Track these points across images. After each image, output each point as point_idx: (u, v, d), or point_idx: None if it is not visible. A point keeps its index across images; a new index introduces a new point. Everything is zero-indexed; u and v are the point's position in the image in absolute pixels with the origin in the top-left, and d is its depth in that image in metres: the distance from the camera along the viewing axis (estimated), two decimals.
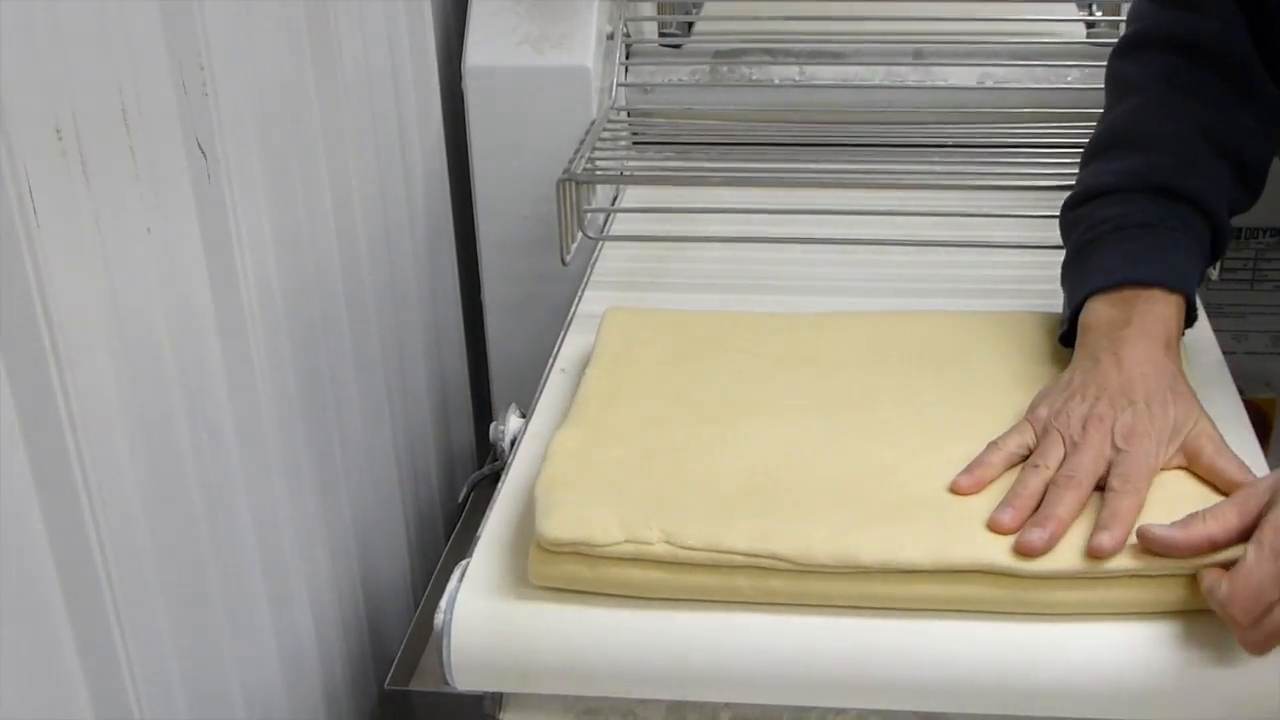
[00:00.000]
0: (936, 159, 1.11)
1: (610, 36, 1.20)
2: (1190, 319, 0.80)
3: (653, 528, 0.67)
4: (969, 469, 0.71)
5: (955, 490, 0.70)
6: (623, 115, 1.21)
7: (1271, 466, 0.74)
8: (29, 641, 0.58)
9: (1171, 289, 0.78)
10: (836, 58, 1.22)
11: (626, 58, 1.24)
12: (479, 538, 0.74)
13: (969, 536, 0.67)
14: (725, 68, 1.23)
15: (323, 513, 0.92)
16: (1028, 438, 0.73)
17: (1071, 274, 0.83)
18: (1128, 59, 0.88)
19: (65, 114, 0.60)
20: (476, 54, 1.15)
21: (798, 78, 1.22)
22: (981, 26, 1.21)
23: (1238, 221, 0.85)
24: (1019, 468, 0.71)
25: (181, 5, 0.70)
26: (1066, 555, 0.65)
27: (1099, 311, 0.78)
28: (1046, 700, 0.66)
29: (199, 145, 0.72)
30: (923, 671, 0.66)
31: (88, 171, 0.61)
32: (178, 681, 0.72)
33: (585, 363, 0.86)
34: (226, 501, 0.77)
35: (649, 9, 1.31)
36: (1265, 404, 1.34)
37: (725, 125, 1.20)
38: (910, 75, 1.21)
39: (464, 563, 0.71)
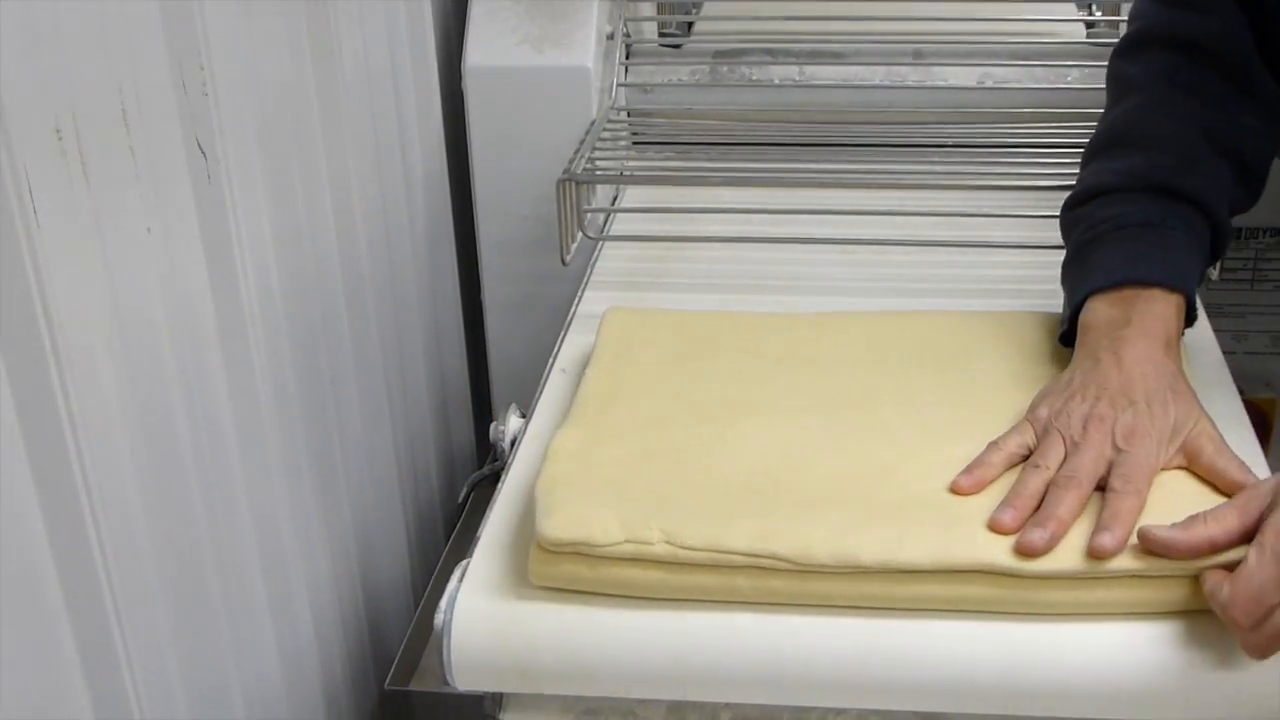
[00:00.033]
0: (936, 159, 1.11)
1: (610, 36, 1.20)
2: (1190, 319, 0.80)
3: (653, 528, 0.67)
4: (969, 469, 0.71)
5: (955, 490, 0.70)
6: (623, 115, 1.21)
7: (1272, 466, 0.74)
8: (29, 641, 0.58)
9: (1172, 289, 0.78)
10: (836, 58, 1.22)
11: (626, 58, 1.24)
12: (479, 538, 0.74)
13: (969, 536, 0.67)
14: (725, 68, 1.23)
15: (323, 513, 0.92)
16: (1028, 438, 0.73)
17: (1072, 273, 0.83)
18: (1129, 58, 0.88)
19: (65, 114, 0.60)
20: (476, 54, 1.15)
21: (798, 78, 1.22)
22: (981, 26, 1.21)
23: (1238, 221, 0.85)
24: (1019, 468, 0.71)
25: (181, 5, 0.70)
26: (1067, 555, 0.65)
27: (1099, 311, 0.78)
28: (1046, 700, 0.65)
29: (199, 145, 0.72)
30: (923, 671, 0.66)
31: (88, 171, 0.61)
32: (178, 681, 0.72)
33: (585, 363, 0.86)
34: (226, 502, 0.77)
35: (649, 9, 1.31)
36: (1265, 404, 1.34)
37: (725, 125, 1.20)
38: (910, 75, 1.21)
39: (464, 563, 0.71)
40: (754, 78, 1.23)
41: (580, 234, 1.04)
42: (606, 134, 1.14)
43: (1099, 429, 0.70)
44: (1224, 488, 0.70)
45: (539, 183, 1.14)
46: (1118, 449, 0.70)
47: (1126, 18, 0.92)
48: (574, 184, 1.02)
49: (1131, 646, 0.65)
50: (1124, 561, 0.65)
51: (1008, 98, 1.18)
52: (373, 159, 1.01)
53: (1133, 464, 0.69)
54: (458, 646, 0.68)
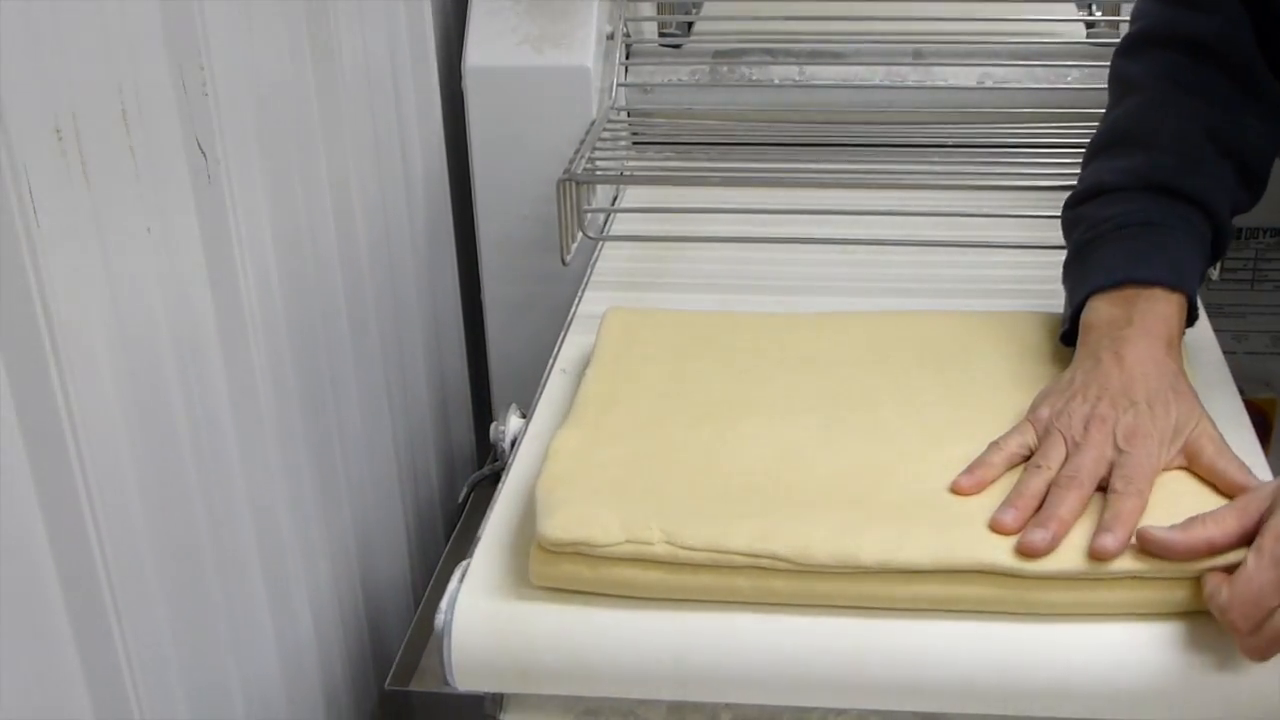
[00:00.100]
0: (936, 159, 1.11)
1: (610, 36, 1.20)
2: (1191, 318, 0.80)
3: (653, 528, 0.67)
4: (970, 469, 0.71)
5: (956, 490, 0.70)
6: (623, 115, 1.21)
7: (1272, 466, 0.74)
8: (29, 641, 0.58)
9: (1173, 288, 0.78)
10: (836, 58, 1.22)
11: (626, 58, 1.24)
12: (479, 538, 0.74)
13: (970, 537, 0.67)
14: (725, 68, 1.23)
15: (323, 513, 0.92)
16: (1029, 438, 0.73)
17: (1073, 273, 0.83)
18: (1131, 57, 0.88)
19: (65, 114, 0.60)
20: (476, 54, 1.15)
21: (798, 78, 1.22)
22: (981, 26, 1.21)
23: (1238, 221, 0.85)
24: (1020, 468, 0.71)
25: (181, 5, 0.70)
26: (1068, 556, 0.65)
27: (1100, 310, 0.78)
28: (1047, 700, 0.65)
29: (199, 145, 0.72)
30: (923, 671, 0.66)
31: (88, 171, 0.61)
32: (178, 681, 0.72)
33: (586, 363, 0.86)
34: (226, 501, 0.77)
35: (649, 9, 1.31)
36: (1265, 404, 1.34)
37: (725, 125, 1.20)
38: (910, 75, 1.21)
39: (464, 563, 0.71)
40: (754, 78, 1.23)
41: (580, 234, 1.04)
42: (606, 134, 1.14)
43: (1100, 429, 0.70)
44: (1224, 489, 0.70)
45: (539, 183, 1.14)
46: (1119, 449, 0.70)
47: (1127, 18, 0.92)
48: (574, 184, 1.02)
49: (1132, 647, 0.65)
50: (1125, 563, 0.65)
51: (1008, 98, 1.18)
52: (373, 159, 1.01)
53: (1134, 465, 0.69)
54: (458, 647, 0.68)
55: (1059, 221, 0.87)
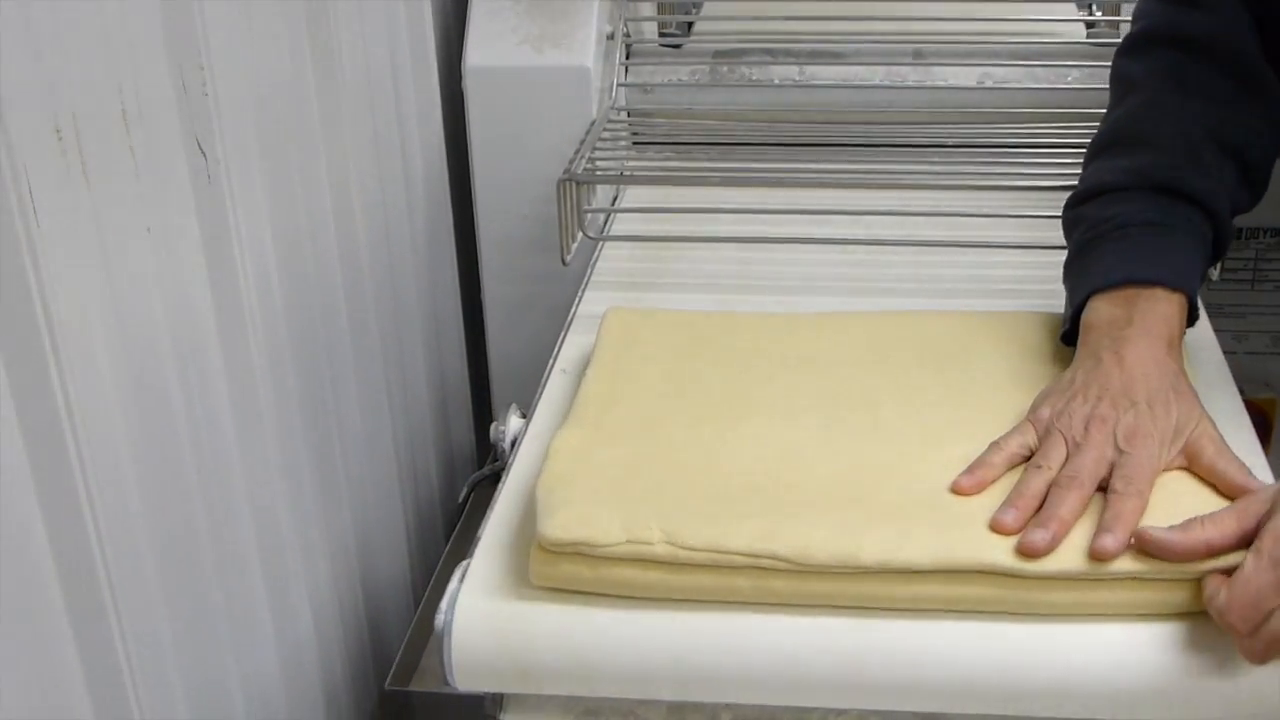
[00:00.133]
0: (936, 159, 1.11)
1: (610, 36, 1.20)
2: (1192, 318, 0.80)
3: (653, 528, 0.67)
4: (970, 469, 0.71)
5: (956, 490, 0.70)
6: (623, 115, 1.21)
7: (1272, 466, 0.74)
8: (29, 641, 0.58)
9: (1173, 288, 0.78)
10: (836, 58, 1.22)
11: (626, 58, 1.24)
12: (479, 538, 0.73)
13: (970, 537, 0.67)
14: (725, 68, 1.23)
15: (323, 513, 0.92)
16: (1029, 438, 0.73)
17: (1073, 272, 0.83)
18: (1132, 57, 0.88)
19: (65, 114, 0.60)
20: (476, 54, 1.15)
21: (798, 78, 1.22)
22: (981, 26, 1.21)
23: (1238, 221, 0.85)
24: (1021, 468, 0.71)
25: (181, 5, 0.70)
26: (1069, 556, 0.65)
27: (1101, 310, 0.78)
28: (1046, 700, 0.65)
29: (199, 145, 0.72)
30: (923, 671, 0.66)
31: (88, 171, 0.61)
32: (177, 681, 0.72)
33: (586, 363, 0.86)
34: (226, 502, 0.77)
35: (649, 9, 1.31)
36: (1265, 404, 1.34)
37: (725, 125, 1.20)
38: (910, 75, 1.21)
39: (464, 563, 0.71)
40: (754, 78, 1.23)
41: (580, 234, 1.04)
42: (606, 134, 1.14)
43: (1101, 429, 0.70)
44: (1224, 489, 0.70)
45: (539, 183, 1.14)
46: (1119, 450, 0.70)
47: (1127, 17, 0.92)
48: (574, 184, 1.02)
49: (1132, 647, 0.65)
50: (1125, 563, 0.65)
51: (1008, 98, 1.18)
52: (373, 159, 1.01)
53: (1134, 465, 0.69)
54: (458, 647, 0.68)
55: (1059, 221, 0.87)
